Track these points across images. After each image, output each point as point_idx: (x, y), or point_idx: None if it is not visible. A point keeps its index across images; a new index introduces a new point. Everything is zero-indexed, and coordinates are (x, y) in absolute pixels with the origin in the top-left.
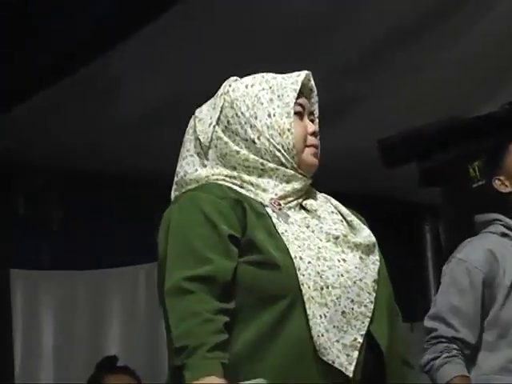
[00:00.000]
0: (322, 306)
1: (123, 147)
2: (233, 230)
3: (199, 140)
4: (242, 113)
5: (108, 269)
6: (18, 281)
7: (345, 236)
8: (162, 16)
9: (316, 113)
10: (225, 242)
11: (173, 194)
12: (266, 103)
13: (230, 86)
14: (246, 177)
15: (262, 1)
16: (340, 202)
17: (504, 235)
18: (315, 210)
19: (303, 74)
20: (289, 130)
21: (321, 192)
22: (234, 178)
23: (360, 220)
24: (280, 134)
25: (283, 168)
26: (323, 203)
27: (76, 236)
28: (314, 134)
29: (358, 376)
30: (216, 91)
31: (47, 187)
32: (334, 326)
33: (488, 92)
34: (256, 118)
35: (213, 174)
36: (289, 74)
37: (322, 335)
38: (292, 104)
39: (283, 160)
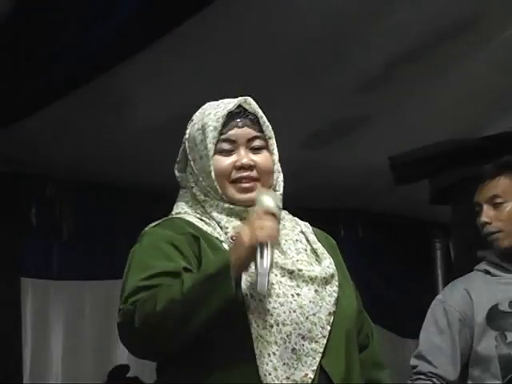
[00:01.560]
0: (270, 344)
1: (135, 159)
2: (187, 263)
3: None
4: (188, 153)
5: (117, 280)
6: (28, 289)
7: (299, 270)
8: (173, 31)
9: (267, 132)
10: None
11: None
12: (199, 145)
13: (192, 118)
14: (205, 210)
15: (274, 17)
16: (349, 218)
17: (487, 272)
18: (278, 244)
19: (232, 104)
20: (210, 172)
21: (320, 209)
22: (196, 211)
23: (329, 243)
24: (206, 177)
25: (222, 203)
26: (290, 231)
27: (86, 247)
28: (242, 166)
29: None
30: None
31: (58, 198)
32: (283, 364)
33: (499, 112)
34: (194, 160)
35: (182, 208)
36: (222, 105)
37: (270, 374)
38: (210, 145)
39: (214, 198)
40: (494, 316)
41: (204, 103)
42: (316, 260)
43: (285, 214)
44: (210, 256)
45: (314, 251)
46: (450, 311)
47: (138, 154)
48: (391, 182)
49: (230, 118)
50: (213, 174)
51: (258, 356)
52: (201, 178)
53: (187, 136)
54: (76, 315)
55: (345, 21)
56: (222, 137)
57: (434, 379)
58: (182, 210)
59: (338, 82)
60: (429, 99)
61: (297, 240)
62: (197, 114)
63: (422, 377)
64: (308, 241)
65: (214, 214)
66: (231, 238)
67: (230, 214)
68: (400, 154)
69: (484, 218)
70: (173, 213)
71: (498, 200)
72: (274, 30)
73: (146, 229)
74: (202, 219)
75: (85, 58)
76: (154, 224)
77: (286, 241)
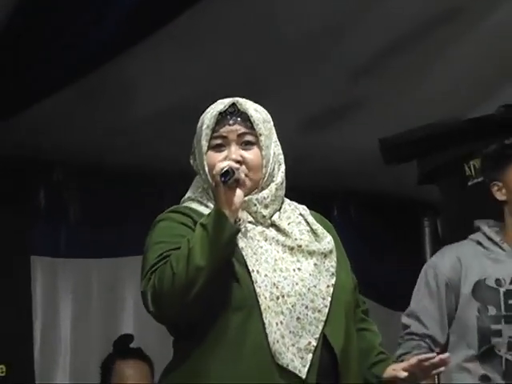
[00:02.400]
0: (278, 314)
1: (137, 144)
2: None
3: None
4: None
5: (121, 257)
6: (37, 267)
7: (299, 246)
8: (172, 22)
9: (258, 129)
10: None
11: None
12: (197, 142)
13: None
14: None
15: (272, 7)
16: (342, 198)
17: (479, 243)
18: (283, 228)
19: (222, 104)
20: (203, 167)
21: (317, 193)
22: (203, 197)
23: (325, 225)
24: (202, 171)
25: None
26: (291, 214)
27: (91, 227)
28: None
29: (313, 377)
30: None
31: (65, 180)
32: (289, 332)
33: (484, 96)
34: (195, 155)
35: (188, 196)
36: (215, 105)
37: (278, 341)
38: (204, 142)
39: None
40: (480, 289)
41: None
42: (316, 240)
43: (285, 203)
44: None
45: (314, 232)
46: (439, 275)
47: (139, 140)
48: (382, 164)
49: (223, 117)
50: (206, 168)
51: (267, 325)
52: (201, 171)
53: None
54: (83, 290)
55: (339, 10)
56: (215, 134)
57: (426, 339)
58: (193, 195)
59: (332, 69)
60: (418, 85)
61: (299, 222)
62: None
63: (415, 337)
64: (307, 222)
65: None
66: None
67: None
68: (390, 137)
69: None
70: (185, 196)
71: None
72: (271, 20)
73: (160, 215)
74: (207, 205)
75: (88, 49)
76: (166, 211)
77: (289, 224)
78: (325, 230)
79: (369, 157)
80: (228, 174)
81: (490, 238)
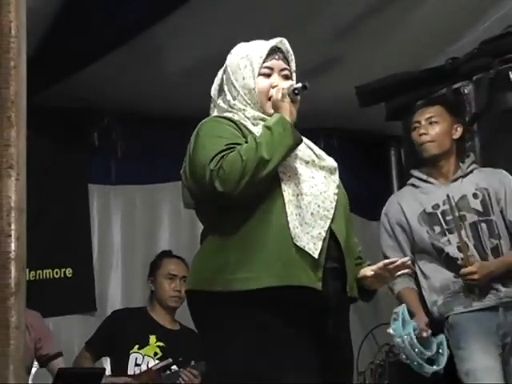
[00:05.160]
0: (297, 207)
1: (166, 95)
2: (238, 137)
3: (212, 91)
4: (230, 75)
5: (157, 184)
6: (93, 193)
7: (313, 161)
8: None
9: (291, 66)
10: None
11: (211, 110)
12: (242, 69)
13: (230, 53)
14: (244, 115)
15: None
16: (327, 133)
17: (413, 185)
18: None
19: (273, 42)
20: (253, 88)
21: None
22: (233, 110)
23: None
24: (249, 92)
25: (252, 112)
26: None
27: (134, 160)
28: (275, 87)
29: (322, 260)
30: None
31: (113, 124)
32: (305, 223)
33: (439, 49)
34: (236, 80)
35: (222, 106)
36: (263, 42)
37: (296, 227)
38: (256, 69)
39: (253, 109)
40: (423, 217)
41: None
42: (325, 157)
43: None
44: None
45: (317, 156)
46: (390, 220)
47: (168, 92)
48: (358, 106)
49: (271, 52)
50: (256, 89)
51: (289, 214)
52: (242, 93)
53: (229, 63)
54: (128, 210)
55: None
56: (264, 64)
57: None
58: (222, 114)
59: (318, 31)
60: (387, 43)
61: (305, 149)
62: (236, 49)
63: None
64: (312, 150)
65: (250, 119)
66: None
67: (261, 120)
68: (364, 84)
69: (422, 130)
70: (214, 114)
71: (434, 119)
72: None
73: (206, 120)
74: (239, 120)
75: (127, 22)
76: (210, 117)
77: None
78: (325, 154)
79: (348, 101)
80: (298, 90)
81: (419, 178)
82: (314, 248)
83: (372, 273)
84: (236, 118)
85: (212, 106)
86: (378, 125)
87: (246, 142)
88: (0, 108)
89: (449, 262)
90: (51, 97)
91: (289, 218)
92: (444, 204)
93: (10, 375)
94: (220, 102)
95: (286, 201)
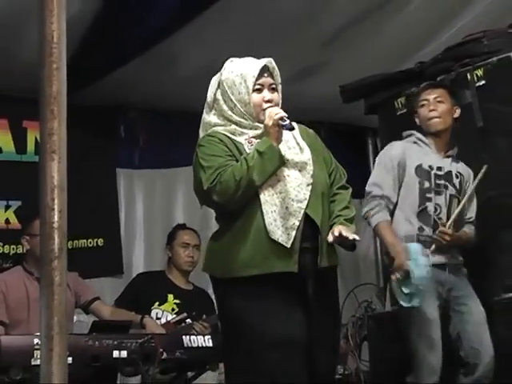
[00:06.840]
0: (272, 205)
1: (182, 92)
2: (228, 154)
3: (208, 98)
4: (226, 89)
5: (174, 168)
6: (120, 176)
7: (287, 160)
8: (208, 9)
9: (276, 80)
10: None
11: (205, 113)
12: (237, 85)
13: (224, 68)
14: (232, 126)
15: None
16: (315, 126)
17: (414, 143)
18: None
19: (263, 62)
20: (248, 103)
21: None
22: (225, 125)
23: (310, 135)
24: (245, 105)
25: (247, 122)
26: (285, 133)
27: (155, 148)
28: (268, 101)
29: (296, 246)
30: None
31: (137, 119)
32: (280, 217)
33: (410, 55)
34: (232, 94)
35: (215, 122)
36: (254, 62)
37: (271, 224)
38: (251, 86)
39: (248, 119)
40: (420, 170)
41: (226, 58)
42: (300, 152)
43: None
44: (235, 151)
45: (299, 146)
46: (393, 157)
47: (184, 90)
48: (341, 102)
49: (261, 71)
50: (252, 104)
51: (265, 212)
52: (239, 106)
53: (224, 78)
54: (150, 191)
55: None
56: (257, 82)
57: (384, 199)
58: (215, 127)
59: (307, 40)
60: (365, 50)
61: (287, 140)
62: (230, 65)
63: (376, 198)
64: (295, 138)
65: (245, 130)
66: (246, 139)
67: (256, 129)
68: (346, 84)
69: (432, 107)
70: (209, 130)
71: (440, 99)
72: (270, 8)
73: (203, 137)
74: (232, 132)
75: (153, 28)
76: (204, 134)
77: (284, 142)
78: (305, 145)
79: (332, 98)
80: (284, 120)
81: (420, 140)
82: (287, 238)
83: (331, 239)
84: (227, 129)
85: (207, 109)
86: (358, 118)
87: (233, 154)
88: (45, 103)
89: (423, 216)
90: (87, 97)
91: (265, 217)
92: (437, 169)
93: (54, 325)
94: (213, 111)
95: (262, 202)
